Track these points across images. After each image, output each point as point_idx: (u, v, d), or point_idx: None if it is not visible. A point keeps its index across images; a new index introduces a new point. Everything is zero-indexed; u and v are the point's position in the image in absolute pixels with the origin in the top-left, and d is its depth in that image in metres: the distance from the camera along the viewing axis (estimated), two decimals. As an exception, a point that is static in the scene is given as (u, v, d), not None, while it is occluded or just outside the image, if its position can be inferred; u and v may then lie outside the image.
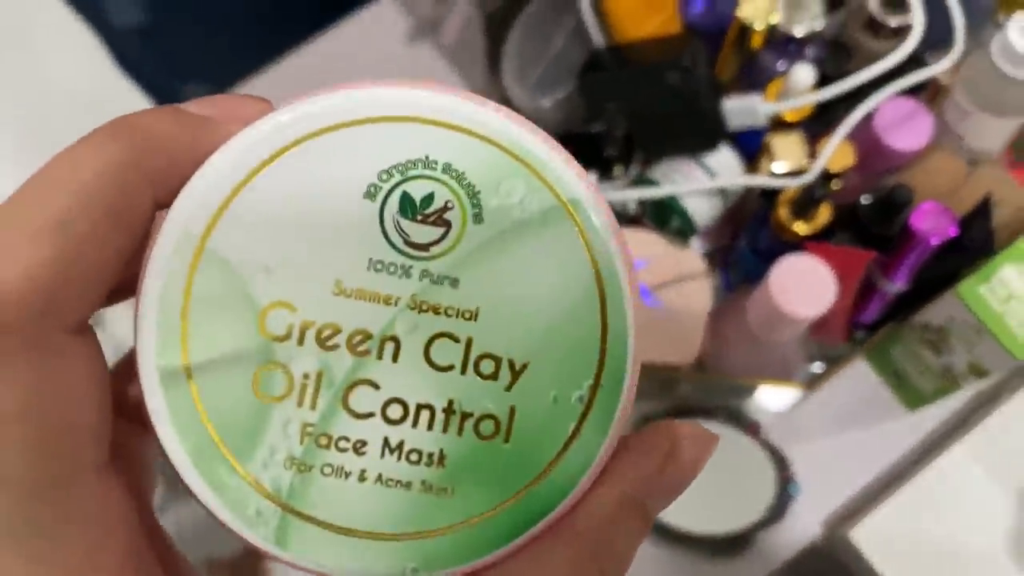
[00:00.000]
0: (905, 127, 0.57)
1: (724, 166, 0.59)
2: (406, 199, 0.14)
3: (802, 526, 0.62)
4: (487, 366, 0.14)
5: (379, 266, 0.14)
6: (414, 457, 0.14)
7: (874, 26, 0.61)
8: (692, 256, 0.61)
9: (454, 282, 0.14)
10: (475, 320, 0.14)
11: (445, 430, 0.14)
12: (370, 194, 0.14)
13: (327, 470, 0.14)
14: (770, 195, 0.58)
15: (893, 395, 0.64)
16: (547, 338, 0.14)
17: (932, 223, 0.51)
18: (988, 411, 0.63)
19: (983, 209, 0.52)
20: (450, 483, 0.14)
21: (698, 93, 0.56)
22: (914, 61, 0.59)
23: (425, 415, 0.14)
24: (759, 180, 0.57)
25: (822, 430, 0.65)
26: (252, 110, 0.15)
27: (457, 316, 0.14)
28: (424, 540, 0.14)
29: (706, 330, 0.60)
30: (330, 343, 0.14)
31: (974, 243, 0.52)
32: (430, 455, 0.14)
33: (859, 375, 0.65)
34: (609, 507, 0.15)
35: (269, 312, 0.14)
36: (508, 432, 0.14)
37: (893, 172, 0.59)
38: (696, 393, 0.64)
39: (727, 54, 0.60)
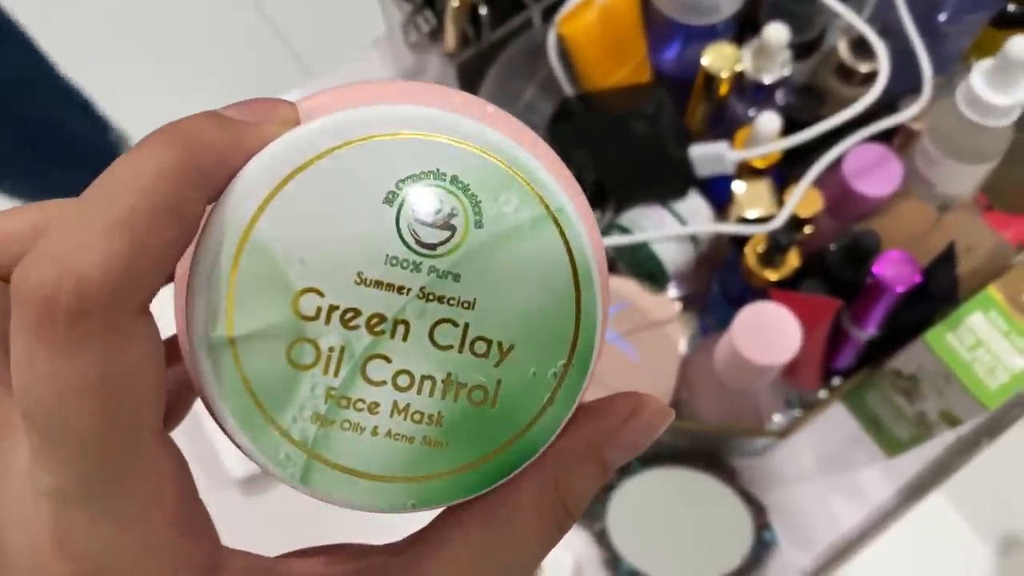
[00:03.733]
0: (874, 173, 0.57)
1: (694, 213, 0.59)
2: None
3: (779, 575, 0.62)
4: (480, 347, 0.17)
5: (394, 261, 0.17)
6: (417, 417, 0.17)
7: (845, 72, 0.61)
8: (664, 302, 0.61)
9: (456, 277, 0.17)
10: (472, 309, 0.17)
11: (444, 396, 0.17)
12: (388, 200, 0.17)
13: (346, 425, 0.17)
14: (741, 241, 0.58)
15: (872, 441, 0.64)
16: (530, 325, 0.17)
17: (897, 271, 0.51)
18: (968, 458, 0.62)
19: (947, 256, 0.52)
20: (446, 438, 0.17)
21: (664, 141, 0.56)
22: (887, 107, 0.59)
23: (427, 384, 0.17)
24: (727, 227, 0.57)
25: (799, 477, 0.64)
26: (283, 112, 0.17)
27: (458, 305, 0.17)
28: (422, 482, 0.17)
29: (678, 375, 0.60)
30: (352, 323, 0.17)
31: (939, 290, 0.51)
32: (430, 416, 0.17)
33: (837, 422, 0.64)
34: (574, 452, 0.18)
35: (302, 296, 0.17)
36: (495, 400, 0.17)
37: (863, 218, 0.59)
38: (671, 439, 0.63)
39: (696, 102, 0.60)
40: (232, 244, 0.16)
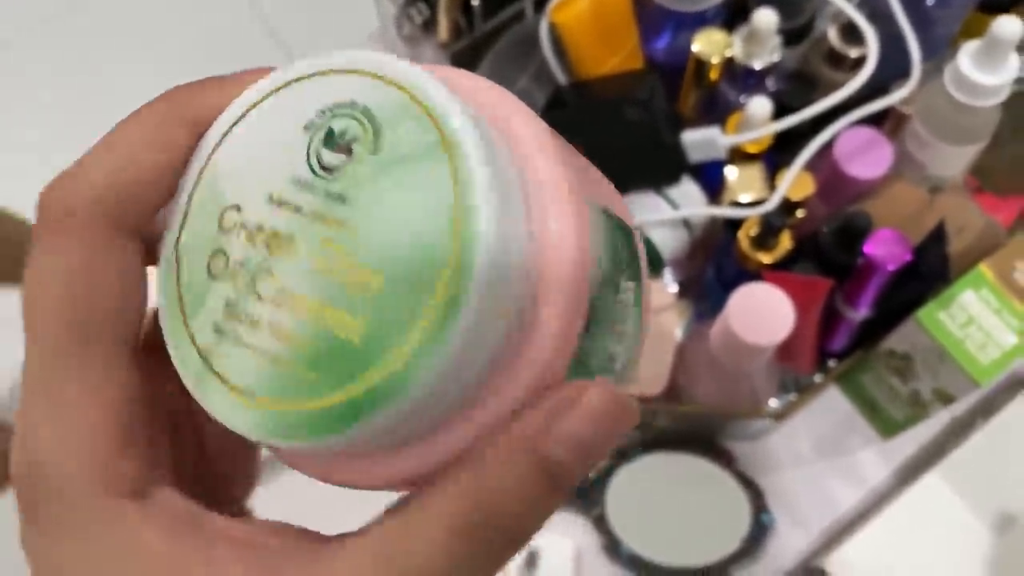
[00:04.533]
0: (865, 156, 0.58)
1: (687, 198, 0.60)
2: (329, 132, 0.18)
3: (777, 557, 0.62)
4: (356, 275, 0.17)
5: (298, 183, 0.18)
6: (287, 340, 0.17)
7: (835, 58, 0.62)
8: (659, 287, 0.61)
9: (343, 199, 0.17)
10: (354, 234, 0.17)
11: (316, 322, 0.17)
12: (307, 128, 0.18)
13: (233, 338, 0.18)
14: (734, 226, 0.59)
15: (867, 423, 0.64)
16: (407, 254, 0.17)
17: (888, 249, 0.51)
18: (962, 438, 0.62)
19: (938, 235, 0.52)
20: (313, 368, 0.17)
21: (657, 127, 0.57)
22: (878, 91, 0.60)
23: (302, 306, 0.17)
24: (720, 210, 0.58)
25: (796, 460, 0.64)
26: (263, 75, 0.19)
27: (340, 228, 0.17)
28: (287, 411, 0.17)
29: (674, 361, 0.60)
30: (255, 239, 0.18)
31: (930, 269, 0.52)
32: (300, 340, 0.17)
33: (832, 404, 0.65)
34: (501, 449, 0.16)
35: (226, 212, 0.18)
36: (364, 333, 0.17)
37: (855, 201, 0.59)
38: (669, 424, 0.64)
39: (687, 89, 0.61)
40: (197, 169, 0.19)
